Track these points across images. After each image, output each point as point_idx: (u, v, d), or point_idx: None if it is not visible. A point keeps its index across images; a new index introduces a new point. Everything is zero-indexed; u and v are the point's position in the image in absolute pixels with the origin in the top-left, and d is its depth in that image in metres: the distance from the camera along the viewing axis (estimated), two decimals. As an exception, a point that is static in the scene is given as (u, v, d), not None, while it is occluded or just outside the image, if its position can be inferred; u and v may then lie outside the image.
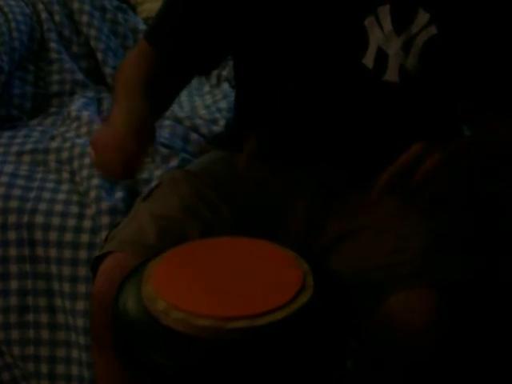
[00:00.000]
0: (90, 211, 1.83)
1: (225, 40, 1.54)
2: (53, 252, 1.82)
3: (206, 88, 2.33)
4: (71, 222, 1.82)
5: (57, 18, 2.32)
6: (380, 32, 1.42)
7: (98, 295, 1.39)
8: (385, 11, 1.42)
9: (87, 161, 1.90)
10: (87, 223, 1.82)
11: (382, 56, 1.43)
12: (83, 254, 1.81)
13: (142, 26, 2.46)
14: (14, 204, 1.85)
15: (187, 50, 1.54)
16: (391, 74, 1.44)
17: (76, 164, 1.92)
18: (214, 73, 2.33)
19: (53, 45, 2.28)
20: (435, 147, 1.30)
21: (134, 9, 2.55)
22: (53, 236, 1.82)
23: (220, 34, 1.53)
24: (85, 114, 2.09)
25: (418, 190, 1.29)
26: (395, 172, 1.29)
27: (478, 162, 1.39)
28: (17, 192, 1.87)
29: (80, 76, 2.28)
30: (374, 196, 1.30)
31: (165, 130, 2.03)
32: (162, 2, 1.58)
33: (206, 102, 2.23)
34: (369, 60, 1.44)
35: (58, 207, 1.84)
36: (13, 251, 1.84)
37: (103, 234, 1.74)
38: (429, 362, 1.30)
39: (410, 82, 1.44)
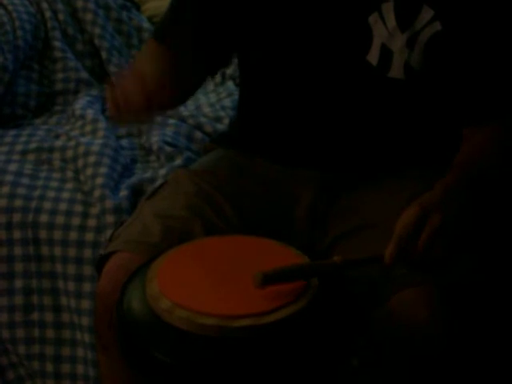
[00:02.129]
0: (94, 210, 1.82)
1: (232, 38, 1.53)
2: (57, 251, 1.82)
3: (211, 86, 2.32)
4: (76, 221, 1.82)
5: (61, 16, 2.32)
6: (384, 29, 1.42)
7: (102, 295, 1.39)
8: (388, 8, 1.41)
9: (92, 159, 1.91)
10: (92, 222, 1.82)
11: (386, 53, 1.43)
12: (88, 253, 1.81)
13: (147, 25, 2.45)
14: (18, 203, 1.85)
15: (196, 47, 1.53)
16: (396, 71, 1.43)
17: (80, 163, 1.92)
18: (219, 71, 2.33)
19: (57, 43, 2.28)
20: (431, 206, 1.31)
21: (138, 7, 2.55)
22: (57, 235, 1.82)
23: (227, 32, 1.52)
24: (89, 113, 2.09)
25: (427, 252, 1.30)
26: (398, 242, 1.29)
27: (478, 187, 1.40)
28: (21, 191, 1.87)
29: (84, 74, 2.28)
30: (388, 264, 1.30)
31: (169, 129, 2.03)
32: (170, 2, 1.58)
33: (210, 100, 2.23)
34: (373, 57, 1.43)
35: (63, 206, 1.84)
36: (17, 250, 1.84)
37: (108, 233, 1.74)
38: (432, 358, 1.30)
39: (415, 78, 1.44)
